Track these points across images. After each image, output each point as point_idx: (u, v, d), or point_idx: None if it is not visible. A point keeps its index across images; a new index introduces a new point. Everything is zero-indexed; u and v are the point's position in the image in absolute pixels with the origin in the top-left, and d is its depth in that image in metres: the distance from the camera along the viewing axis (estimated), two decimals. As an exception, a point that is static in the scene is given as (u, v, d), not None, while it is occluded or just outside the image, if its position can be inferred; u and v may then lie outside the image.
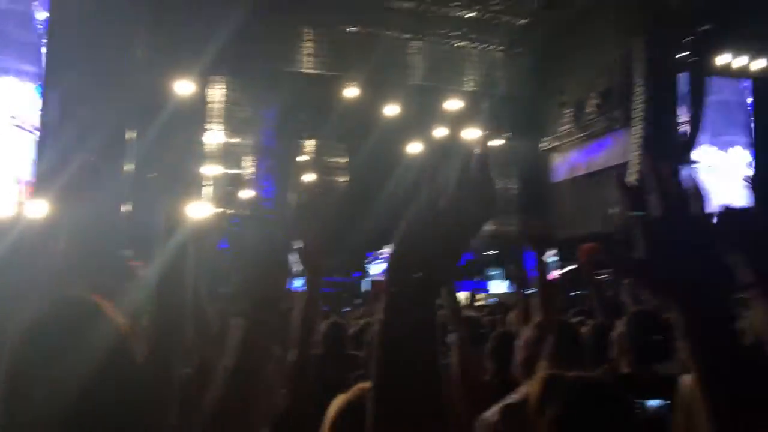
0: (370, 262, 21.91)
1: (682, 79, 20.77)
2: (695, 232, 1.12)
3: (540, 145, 24.75)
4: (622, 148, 22.14)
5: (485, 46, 24.59)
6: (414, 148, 23.82)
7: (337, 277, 20.68)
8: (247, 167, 23.00)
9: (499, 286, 18.38)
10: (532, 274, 3.77)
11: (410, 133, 23.98)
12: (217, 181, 22.17)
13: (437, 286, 1.21)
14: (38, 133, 14.28)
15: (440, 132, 21.95)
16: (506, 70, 24.60)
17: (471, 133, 22.76)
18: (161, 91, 15.94)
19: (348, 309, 12.67)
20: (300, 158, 24.50)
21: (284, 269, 1.45)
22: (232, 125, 23.70)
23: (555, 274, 17.45)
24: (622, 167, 19.36)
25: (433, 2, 21.84)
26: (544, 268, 3.65)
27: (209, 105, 23.05)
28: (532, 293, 4.05)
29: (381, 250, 21.95)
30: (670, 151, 18.86)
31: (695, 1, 17.98)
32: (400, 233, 1.23)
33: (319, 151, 25.43)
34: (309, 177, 23.70)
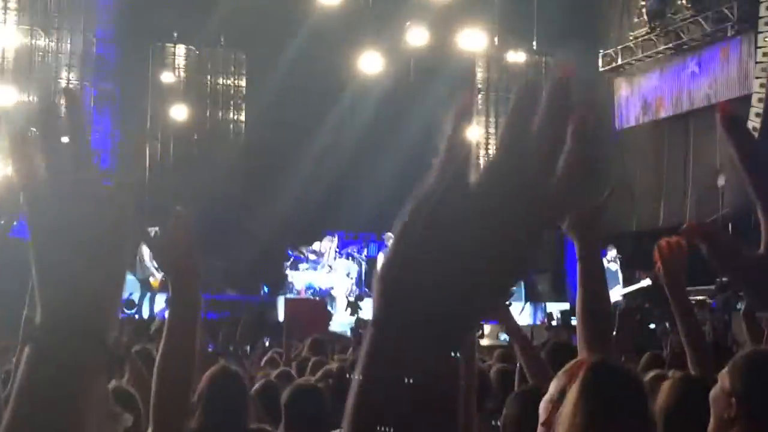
0: (289, 267, 22.43)
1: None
2: None
3: (593, 63, 24.88)
4: (736, 72, 22.23)
5: None
6: (367, 63, 24.23)
7: (231, 293, 21.46)
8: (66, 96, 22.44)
9: (518, 313, 19.55)
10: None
11: (360, 39, 24.39)
12: (7, 117, 21.68)
13: (469, 326, 1.17)
14: None
15: (414, 37, 22.52)
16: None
17: (470, 42, 23.48)
18: None
19: (250, 349, 13.28)
20: (163, 79, 24.70)
21: (117, 273, 1.45)
22: (33, 16, 23.45)
23: (617, 292, 18.28)
24: (736, 103, 18.87)
25: None
26: (594, 273, 3.71)
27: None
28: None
29: (309, 247, 22.63)
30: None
31: None
32: (409, 221, 1.15)
33: (197, 68, 25.66)
34: (178, 113, 24.11)
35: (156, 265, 16.63)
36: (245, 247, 21.97)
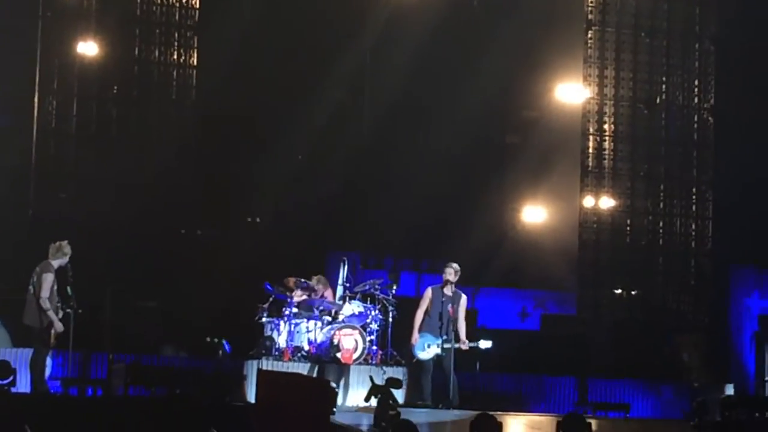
0: (266, 314, 19.37)
1: None
2: None
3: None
4: None
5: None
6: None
7: (171, 355, 19.46)
8: None
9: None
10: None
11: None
12: None
13: None
14: None
15: None
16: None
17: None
18: None
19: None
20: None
21: None
22: None
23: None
24: None
25: None
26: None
27: None
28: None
29: (302, 280, 19.82)
30: None
31: None
32: None
33: None
34: (87, 51, 21.01)
35: (60, 305, 16.09)
36: (196, 279, 20.34)
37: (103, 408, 15.95)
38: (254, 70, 22.25)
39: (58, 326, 16.34)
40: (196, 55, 22.24)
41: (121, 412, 15.28)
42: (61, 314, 16.29)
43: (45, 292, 16.26)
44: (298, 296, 19.99)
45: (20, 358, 17.17)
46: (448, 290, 17.28)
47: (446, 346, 16.95)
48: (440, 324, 17.07)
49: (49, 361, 17.17)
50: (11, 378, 16.23)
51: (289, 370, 18.83)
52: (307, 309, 19.60)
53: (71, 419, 14.26)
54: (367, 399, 16.71)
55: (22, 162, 20.11)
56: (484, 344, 17.22)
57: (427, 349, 17.31)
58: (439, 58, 23.16)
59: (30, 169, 20.43)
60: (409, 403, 17.23)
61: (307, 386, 16.85)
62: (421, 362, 17.33)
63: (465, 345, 17.10)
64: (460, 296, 17.35)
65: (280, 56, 22.38)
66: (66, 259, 16.33)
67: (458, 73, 22.69)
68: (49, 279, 16.33)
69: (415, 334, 17.30)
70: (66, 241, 16.79)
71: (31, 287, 16.52)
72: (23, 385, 16.69)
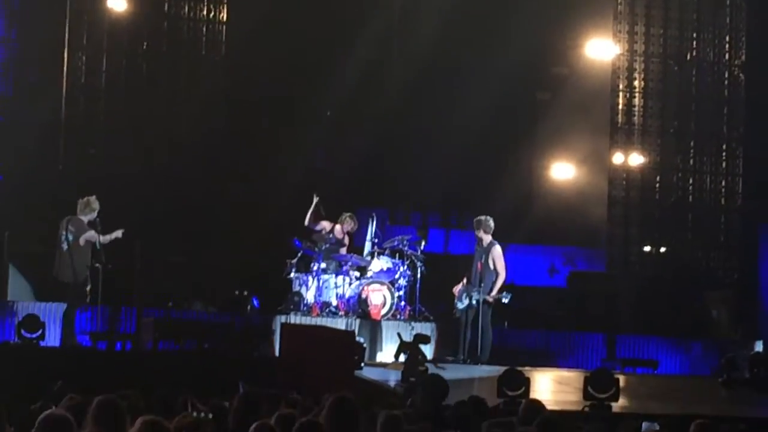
0: (295, 269, 19.14)
1: None
2: None
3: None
4: None
5: None
6: None
7: (200, 310, 19.10)
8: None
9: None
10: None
11: None
12: None
13: None
14: None
15: None
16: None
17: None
18: None
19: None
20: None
21: None
22: None
23: None
24: None
25: None
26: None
27: None
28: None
29: (331, 235, 19.33)
30: None
31: None
32: None
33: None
34: (116, 5, 20.55)
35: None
36: (225, 235, 20.02)
37: (131, 362, 15.85)
38: (284, 26, 21.68)
39: (117, 233, 16.21)
40: (225, 10, 21.62)
41: (150, 366, 15.15)
42: (88, 271, 16.02)
43: (93, 237, 16.13)
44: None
45: (48, 312, 16.93)
46: (482, 244, 17.19)
47: (474, 297, 16.75)
48: (472, 277, 17.19)
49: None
50: (40, 332, 16.06)
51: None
52: (335, 264, 19.14)
53: (100, 373, 13.97)
54: (396, 356, 16.81)
55: (51, 117, 19.78)
56: (505, 297, 16.93)
57: (463, 300, 17.18)
58: (469, 15, 22.51)
59: (59, 125, 20.03)
60: (437, 358, 17.05)
61: (331, 339, 16.91)
62: (459, 314, 17.35)
63: (490, 297, 16.87)
64: (491, 248, 17.11)
65: (310, 13, 21.78)
66: (94, 215, 16.14)
67: (488, 30, 22.20)
68: (90, 235, 16.07)
69: (458, 287, 17.27)
70: (94, 197, 16.47)
71: (64, 243, 16.40)
72: (52, 338, 16.57)
